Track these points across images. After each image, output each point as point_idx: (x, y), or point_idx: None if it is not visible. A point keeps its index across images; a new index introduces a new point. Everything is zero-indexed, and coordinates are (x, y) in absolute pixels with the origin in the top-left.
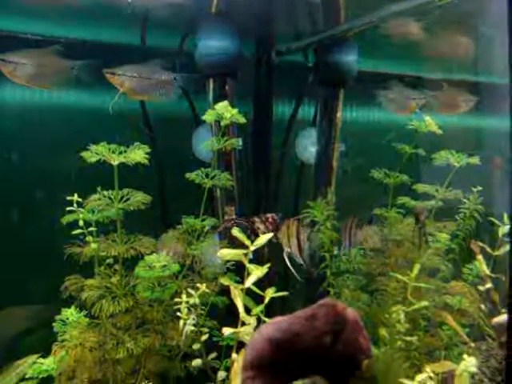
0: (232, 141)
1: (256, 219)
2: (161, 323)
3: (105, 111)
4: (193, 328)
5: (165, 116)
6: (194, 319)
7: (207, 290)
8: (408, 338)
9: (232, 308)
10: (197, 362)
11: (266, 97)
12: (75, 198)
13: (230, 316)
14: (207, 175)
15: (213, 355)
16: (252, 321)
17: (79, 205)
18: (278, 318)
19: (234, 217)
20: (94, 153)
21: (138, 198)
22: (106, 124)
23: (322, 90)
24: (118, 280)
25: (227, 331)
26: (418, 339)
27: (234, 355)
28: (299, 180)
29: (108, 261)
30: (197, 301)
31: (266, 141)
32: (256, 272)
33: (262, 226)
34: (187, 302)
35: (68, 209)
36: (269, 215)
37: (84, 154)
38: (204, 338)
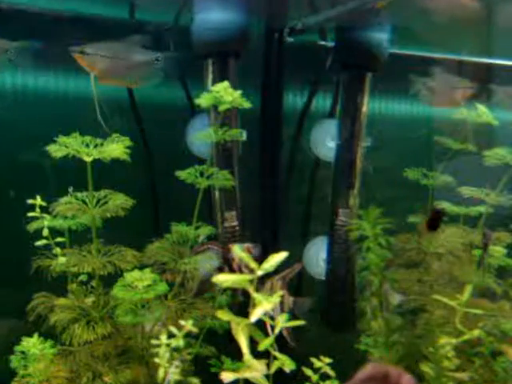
0: (234, 131)
1: (230, 248)
2: (146, 352)
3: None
4: (177, 378)
5: (156, 105)
6: (177, 367)
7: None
8: (458, 375)
9: None
10: None
11: (277, 82)
12: (38, 201)
13: (232, 342)
14: (202, 174)
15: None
16: (260, 367)
17: (44, 210)
18: None
19: (207, 242)
20: (63, 146)
21: (118, 202)
22: (84, 114)
23: (344, 74)
24: (94, 301)
25: (228, 377)
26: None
27: None
28: (313, 180)
29: (81, 277)
30: (181, 343)
31: (274, 134)
32: (265, 304)
33: (236, 259)
34: (168, 345)
35: (30, 214)
36: (245, 245)
37: (50, 147)
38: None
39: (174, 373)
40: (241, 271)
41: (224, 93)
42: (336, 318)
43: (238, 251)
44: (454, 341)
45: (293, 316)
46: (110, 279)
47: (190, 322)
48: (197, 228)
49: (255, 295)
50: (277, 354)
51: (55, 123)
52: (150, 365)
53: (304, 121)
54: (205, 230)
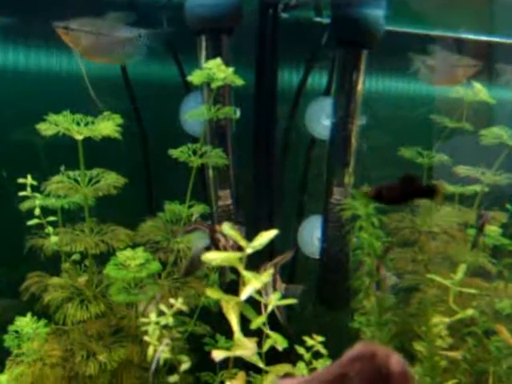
0: (227, 109)
1: (217, 229)
2: (139, 331)
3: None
4: (167, 356)
5: (150, 83)
6: (167, 344)
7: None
8: (451, 354)
9: None
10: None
11: (271, 59)
12: (29, 180)
13: (224, 320)
14: (195, 152)
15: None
16: (250, 345)
17: (35, 189)
18: (286, 382)
19: (195, 222)
20: (53, 124)
21: (109, 181)
22: (78, 92)
23: (340, 51)
24: (87, 280)
25: (218, 355)
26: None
27: None
28: (308, 159)
29: (74, 257)
30: (170, 321)
31: (269, 112)
32: (254, 282)
33: (222, 239)
34: (157, 323)
35: (21, 194)
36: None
37: (39, 125)
38: (185, 366)
39: (163, 351)
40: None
41: (216, 70)
42: (330, 297)
43: (228, 229)
44: (447, 320)
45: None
46: (104, 258)
47: (180, 300)
48: (190, 206)
49: (245, 273)
50: (269, 332)
51: (46, 101)
52: (143, 343)
53: (299, 98)
54: (198, 209)
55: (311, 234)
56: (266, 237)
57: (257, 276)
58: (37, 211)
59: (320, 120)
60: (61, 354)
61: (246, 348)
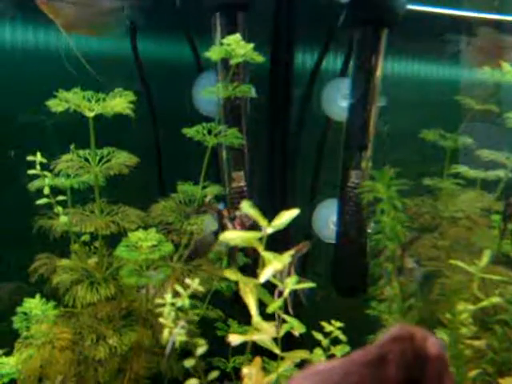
0: (244, 87)
1: (224, 214)
2: (151, 315)
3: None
4: (183, 339)
5: (160, 61)
6: (183, 327)
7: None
8: (476, 343)
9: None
10: (194, 382)
11: (287, 37)
12: (38, 158)
13: (238, 304)
14: (210, 131)
15: (214, 374)
16: (269, 329)
17: (45, 167)
18: (321, 366)
19: (204, 205)
20: (63, 101)
21: (121, 160)
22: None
23: (359, 30)
24: (97, 261)
25: (235, 340)
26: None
27: (244, 370)
28: (323, 141)
29: (84, 238)
30: (186, 303)
31: (284, 93)
32: (275, 263)
33: (229, 225)
34: (173, 305)
35: (30, 172)
36: (238, 214)
37: (50, 102)
38: (201, 350)
39: (179, 334)
40: None
41: (236, 45)
42: (345, 283)
43: (247, 207)
44: (471, 307)
45: (295, 297)
46: (114, 240)
47: (197, 280)
48: (204, 187)
49: (265, 254)
50: (286, 316)
51: (55, 80)
52: (154, 327)
53: (315, 78)
54: (213, 190)
55: (326, 219)
56: (286, 216)
57: (278, 257)
58: (46, 190)
59: (337, 101)
60: (70, 337)
61: (265, 332)
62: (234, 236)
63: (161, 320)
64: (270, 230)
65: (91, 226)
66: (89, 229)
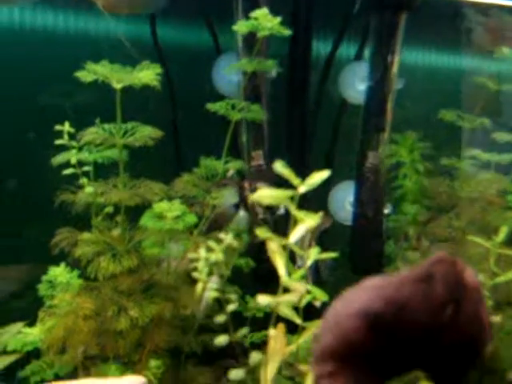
0: (269, 62)
1: (246, 186)
2: (172, 288)
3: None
4: (215, 294)
5: (179, 44)
6: (216, 283)
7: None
8: (492, 318)
9: (259, 272)
10: (223, 339)
11: (306, 21)
12: (66, 127)
13: (256, 282)
14: (234, 106)
15: (243, 331)
16: (300, 287)
17: (72, 138)
18: (374, 281)
19: (224, 179)
20: (92, 72)
21: (146, 133)
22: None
23: (377, 15)
24: (120, 234)
25: (264, 300)
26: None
27: (271, 331)
28: (339, 124)
29: (107, 209)
30: (220, 257)
31: (303, 73)
32: (307, 220)
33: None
34: (207, 260)
35: (58, 142)
36: (259, 185)
37: (79, 73)
38: (232, 307)
39: (212, 288)
40: (254, 209)
41: (263, 19)
42: (361, 263)
43: (280, 167)
44: (490, 282)
45: (317, 272)
46: (136, 215)
47: (230, 235)
48: (226, 162)
49: (297, 212)
50: (309, 286)
51: (76, 63)
52: (175, 300)
53: (331, 62)
54: (235, 165)
55: (343, 200)
56: (318, 177)
57: (310, 215)
58: (73, 159)
59: (354, 84)
60: (93, 307)
61: (295, 290)
62: (266, 194)
63: (194, 274)
64: (302, 189)
65: (116, 196)
66: (113, 199)
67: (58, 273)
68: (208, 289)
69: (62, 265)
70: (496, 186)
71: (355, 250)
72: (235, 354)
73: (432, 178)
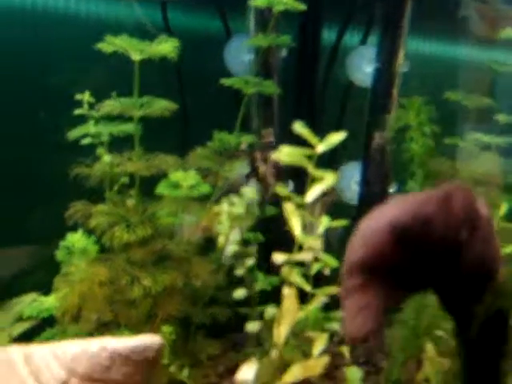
0: (284, 37)
1: (257, 156)
2: (184, 259)
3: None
4: (237, 248)
5: (189, 29)
6: (238, 235)
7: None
8: None
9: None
10: (241, 292)
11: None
12: (87, 96)
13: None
14: (247, 81)
15: (260, 283)
16: (315, 242)
17: (91, 107)
18: (400, 198)
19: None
20: (111, 44)
21: (162, 105)
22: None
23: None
24: (135, 204)
25: (279, 258)
26: None
27: (285, 290)
28: (344, 103)
29: (123, 179)
30: (242, 211)
31: (312, 52)
32: (326, 178)
33: (263, 167)
34: (230, 213)
35: (77, 112)
36: (270, 155)
37: (100, 44)
38: (251, 262)
39: (233, 242)
40: (265, 179)
41: None
42: None
43: (299, 128)
44: None
45: (327, 242)
46: (147, 189)
47: (252, 189)
48: (238, 137)
49: (315, 171)
50: (321, 254)
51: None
52: (187, 271)
53: (339, 45)
54: (247, 138)
55: (349, 180)
56: (335, 137)
57: (327, 174)
58: (92, 129)
59: (361, 67)
60: (107, 276)
61: (311, 246)
62: (285, 152)
63: (217, 227)
64: (320, 148)
65: (132, 167)
66: (130, 169)
67: (76, 239)
68: (230, 242)
69: (80, 231)
70: (496, 166)
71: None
72: (243, 327)
73: (434, 158)
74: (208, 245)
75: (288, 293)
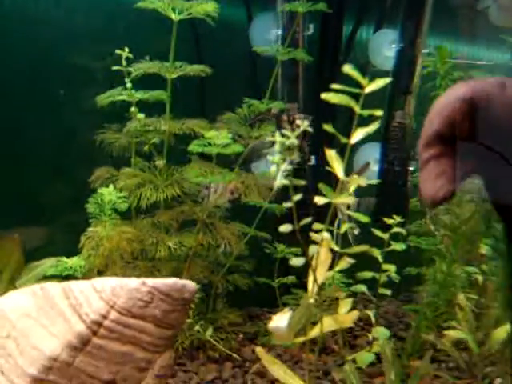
0: (320, 4)
1: (284, 118)
2: (209, 223)
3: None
4: (285, 182)
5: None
6: (288, 167)
7: None
8: None
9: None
10: (286, 228)
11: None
12: (125, 52)
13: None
14: (278, 49)
15: (306, 220)
16: (359, 180)
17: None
18: (469, 81)
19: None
20: (151, 2)
21: (196, 68)
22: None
23: None
24: (163, 165)
25: (320, 200)
26: None
27: (314, 248)
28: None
29: (154, 140)
30: (295, 142)
31: (335, 28)
32: (373, 121)
33: (288, 127)
34: (282, 144)
35: (115, 68)
36: (296, 116)
37: (140, 3)
38: (297, 197)
39: (284, 173)
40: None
41: None
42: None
43: (348, 69)
44: None
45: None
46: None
47: (306, 122)
48: (267, 104)
49: (361, 111)
50: (350, 212)
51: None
52: (212, 235)
53: (357, 29)
54: (277, 105)
55: (369, 159)
56: (382, 81)
57: (374, 111)
58: (129, 84)
59: (382, 51)
60: (134, 235)
61: (353, 185)
62: (332, 95)
63: (269, 157)
64: (368, 90)
65: (165, 125)
66: (163, 128)
67: (107, 192)
68: (280, 174)
69: (111, 185)
70: None
71: (382, 199)
72: (262, 300)
73: None
74: (234, 209)
75: (318, 249)
